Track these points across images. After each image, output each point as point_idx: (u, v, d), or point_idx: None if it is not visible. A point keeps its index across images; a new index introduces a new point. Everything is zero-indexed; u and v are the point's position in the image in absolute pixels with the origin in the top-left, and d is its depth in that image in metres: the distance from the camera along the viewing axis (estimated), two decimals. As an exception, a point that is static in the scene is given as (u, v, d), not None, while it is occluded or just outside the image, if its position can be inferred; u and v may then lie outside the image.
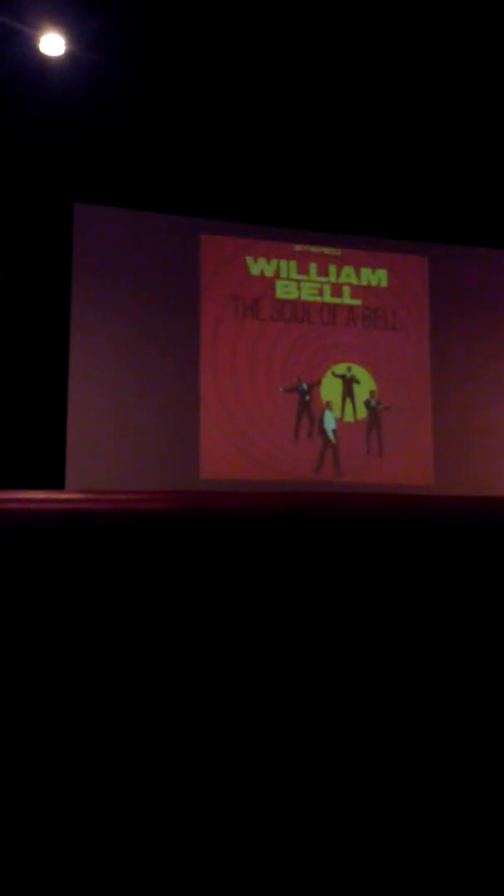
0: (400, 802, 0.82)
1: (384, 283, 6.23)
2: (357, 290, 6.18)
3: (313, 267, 6.12)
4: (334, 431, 6.00)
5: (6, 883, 0.74)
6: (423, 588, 0.82)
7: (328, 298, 6.12)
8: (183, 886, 0.77)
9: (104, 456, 5.45)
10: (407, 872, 0.81)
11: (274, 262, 6.04)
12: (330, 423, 6.02)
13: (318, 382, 6.03)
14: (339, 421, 6.04)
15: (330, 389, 6.08)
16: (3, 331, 5.28)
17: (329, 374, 6.07)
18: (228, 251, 5.97)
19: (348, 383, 6.10)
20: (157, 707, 0.78)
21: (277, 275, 6.04)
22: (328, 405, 6.03)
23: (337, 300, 6.14)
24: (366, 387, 6.13)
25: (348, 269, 6.19)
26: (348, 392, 6.10)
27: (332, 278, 6.14)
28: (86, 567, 0.77)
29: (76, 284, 5.54)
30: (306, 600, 0.80)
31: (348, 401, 6.09)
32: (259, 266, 6.02)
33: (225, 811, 0.79)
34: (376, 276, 6.23)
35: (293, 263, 6.08)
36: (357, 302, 6.16)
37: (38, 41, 4.39)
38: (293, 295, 6.06)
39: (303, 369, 6.01)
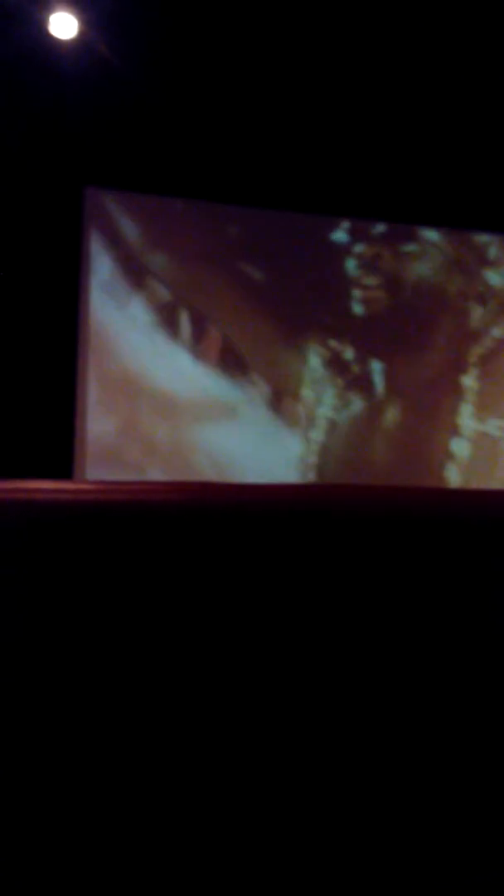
0: (403, 803, 0.81)
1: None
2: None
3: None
4: None
5: (5, 882, 0.73)
6: (440, 585, 0.80)
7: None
8: (181, 883, 0.77)
9: (114, 446, 5.44)
10: (407, 872, 0.81)
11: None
12: None
13: None
14: None
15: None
16: (11, 321, 5.28)
17: None
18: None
19: None
20: (169, 704, 0.77)
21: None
22: None
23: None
24: None
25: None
26: None
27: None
28: (95, 560, 0.75)
29: (84, 270, 5.51)
30: (322, 593, 0.79)
31: None
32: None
33: (224, 809, 0.78)
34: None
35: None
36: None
37: (48, 22, 4.35)
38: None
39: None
